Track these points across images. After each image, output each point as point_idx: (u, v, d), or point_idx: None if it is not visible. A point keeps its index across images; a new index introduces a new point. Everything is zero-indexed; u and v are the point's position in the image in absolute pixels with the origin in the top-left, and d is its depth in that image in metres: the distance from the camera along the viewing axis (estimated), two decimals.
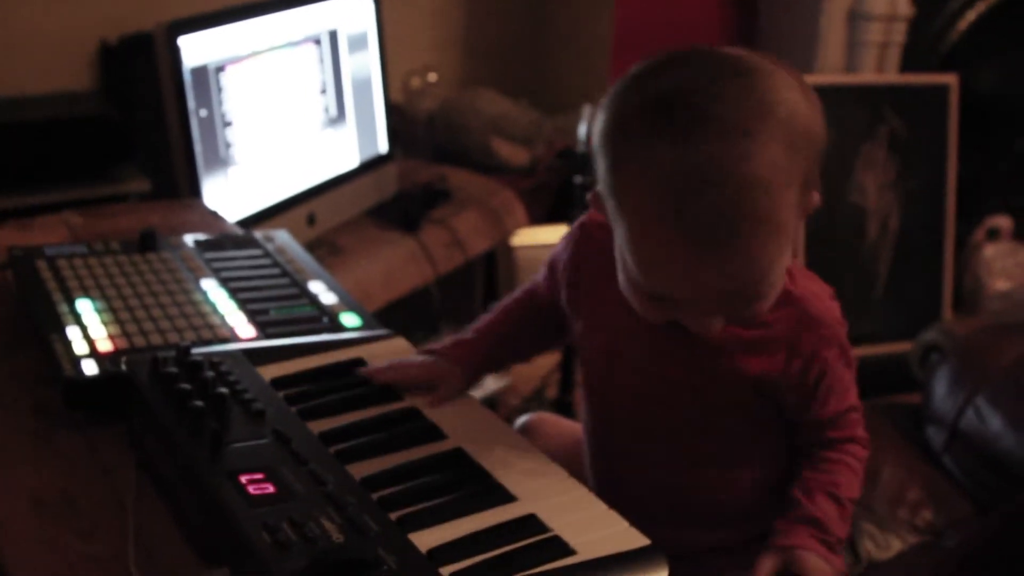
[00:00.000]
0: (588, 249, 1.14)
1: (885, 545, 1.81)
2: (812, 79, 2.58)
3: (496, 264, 2.93)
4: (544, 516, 0.95)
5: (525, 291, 1.25)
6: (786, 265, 0.99)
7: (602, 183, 0.97)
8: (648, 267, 0.95)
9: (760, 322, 1.04)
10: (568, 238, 1.18)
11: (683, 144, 0.89)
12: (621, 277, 1.01)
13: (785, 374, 1.06)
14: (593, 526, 0.95)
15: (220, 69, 2.09)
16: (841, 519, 1.07)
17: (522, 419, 1.32)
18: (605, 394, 1.16)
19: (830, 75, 3.12)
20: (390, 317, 2.21)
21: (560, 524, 0.94)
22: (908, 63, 3.18)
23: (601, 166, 0.96)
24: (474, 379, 1.19)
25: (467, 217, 2.67)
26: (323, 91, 2.40)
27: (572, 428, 1.35)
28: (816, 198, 0.98)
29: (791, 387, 1.08)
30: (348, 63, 2.46)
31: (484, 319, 1.24)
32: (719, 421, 1.10)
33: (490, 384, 2.61)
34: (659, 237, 0.92)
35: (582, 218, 1.16)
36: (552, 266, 1.21)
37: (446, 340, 1.21)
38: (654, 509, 1.07)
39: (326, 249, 2.36)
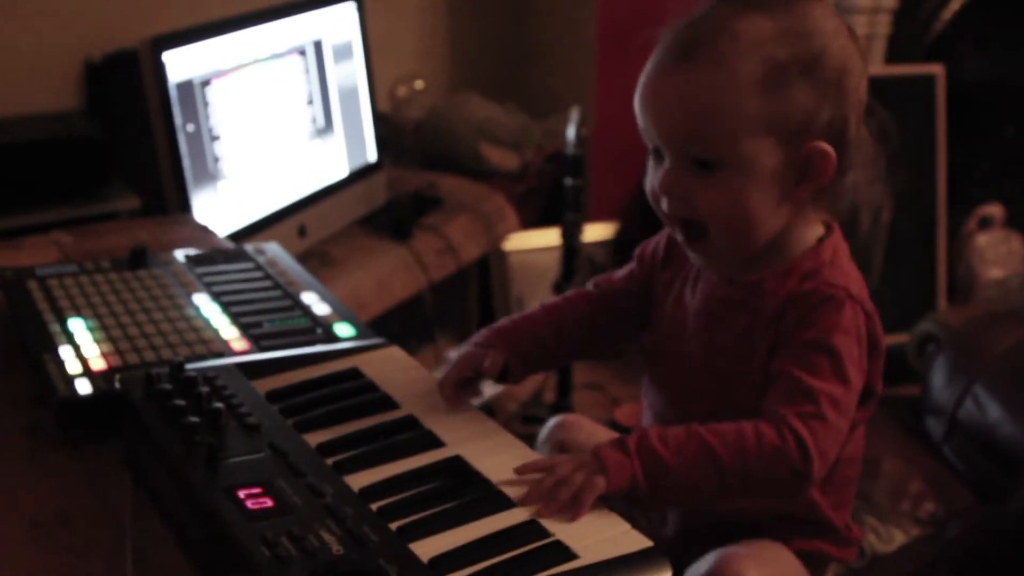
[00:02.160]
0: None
1: (888, 538, 1.80)
2: None
3: (489, 269, 2.93)
4: (545, 521, 0.95)
5: (578, 294, 1.27)
6: (757, 173, 1.05)
7: None
8: (638, 97, 1.09)
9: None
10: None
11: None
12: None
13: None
14: (595, 529, 0.94)
15: (205, 83, 2.08)
16: (685, 461, 0.98)
17: (551, 421, 1.33)
18: (670, 380, 1.19)
19: None
20: (384, 326, 2.21)
21: (561, 529, 0.94)
22: (893, 55, 3.18)
23: None
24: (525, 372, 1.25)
25: (459, 223, 2.66)
26: (310, 102, 2.40)
27: (597, 429, 1.34)
28: (820, 150, 1.09)
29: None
30: (334, 73, 2.46)
31: (529, 317, 1.26)
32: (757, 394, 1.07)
33: (488, 390, 2.60)
34: (647, 66, 1.09)
35: None
36: (643, 252, 1.25)
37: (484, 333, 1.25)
38: None
39: (318, 260, 2.35)
